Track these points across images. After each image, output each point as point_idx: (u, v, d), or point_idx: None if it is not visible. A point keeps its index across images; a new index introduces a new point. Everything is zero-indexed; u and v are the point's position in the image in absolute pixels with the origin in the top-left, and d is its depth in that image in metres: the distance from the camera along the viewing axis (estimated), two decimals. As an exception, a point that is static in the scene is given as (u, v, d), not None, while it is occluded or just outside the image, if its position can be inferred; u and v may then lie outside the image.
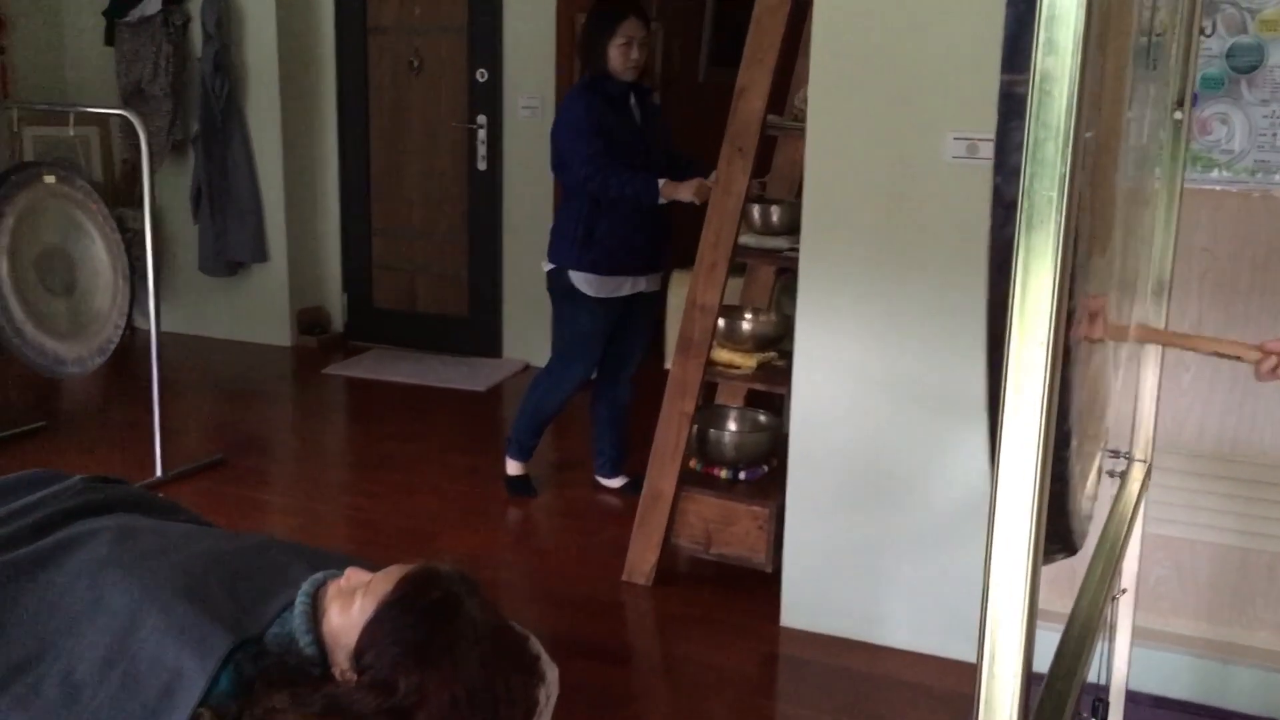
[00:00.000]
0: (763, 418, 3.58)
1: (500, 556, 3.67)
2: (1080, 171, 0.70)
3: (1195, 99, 2.64)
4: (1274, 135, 2.60)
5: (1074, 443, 1.02)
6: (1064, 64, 0.67)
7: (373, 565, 1.68)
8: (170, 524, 1.86)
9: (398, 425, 4.94)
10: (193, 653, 1.52)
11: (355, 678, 1.54)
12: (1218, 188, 2.66)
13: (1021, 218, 0.70)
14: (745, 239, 3.44)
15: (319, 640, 1.59)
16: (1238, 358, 1.52)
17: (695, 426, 3.40)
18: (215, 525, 2.02)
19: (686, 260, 3.54)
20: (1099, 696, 1.54)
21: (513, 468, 4.07)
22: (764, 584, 3.30)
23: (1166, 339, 1.67)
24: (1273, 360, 1.47)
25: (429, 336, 5.99)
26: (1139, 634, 2.88)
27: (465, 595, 1.60)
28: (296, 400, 5.48)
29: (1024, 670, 0.74)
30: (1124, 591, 1.57)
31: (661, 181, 3.57)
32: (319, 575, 1.66)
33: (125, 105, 5.61)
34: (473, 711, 1.52)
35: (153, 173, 4.07)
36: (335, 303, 6.20)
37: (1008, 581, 0.72)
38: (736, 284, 4.05)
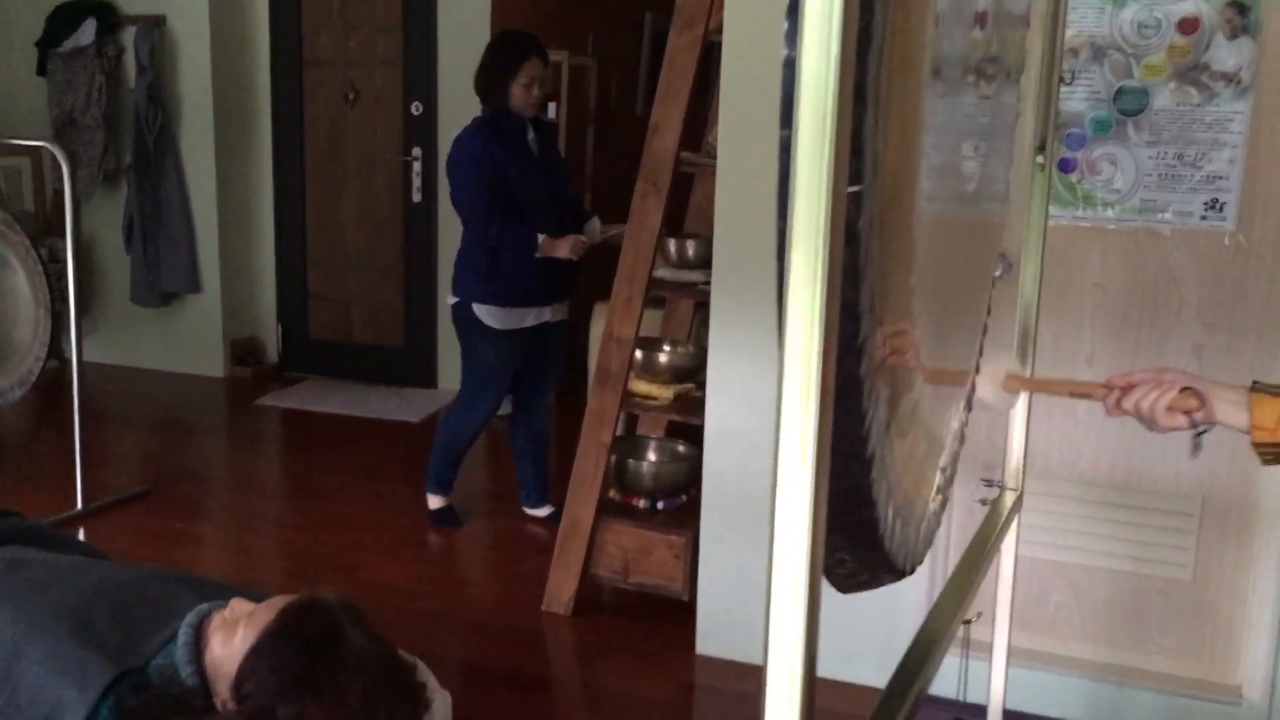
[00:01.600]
0: (681, 448, 3.64)
1: (423, 587, 3.69)
2: (837, 224, 0.75)
3: (1085, 140, 2.75)
4: (1159, 176, 2.70)
5: (876, 473, 1.07)
6: (818, 126, 0.73)
7: (259, 596, 1.70)
8: (61, 556, 1.87)
9: (330, 456, 4.94)
10: (73, 683, 1.54)
11: (236, 707, 1.56)
12: (1108, 226, 2.76)
13: (788, 265, 0.76)
14: (662, 272, 3.51)
15: (201, 671, 1.61)
16: (1089, 396, 1.59)
17: (614, 457, 3.44)
18: (110, 559, 2.03)
19: (607, 293, 3.60)
20: (958, 716, 1.59)
21: (434, 501, 4.09)
22: (681, 612, 3.34)
23: (1030, 386, 1.74)
24: (1116, 394, 1.54)
25: (364, 367, 6.00)
26: (1039, 658, 2.96)
27: (348, 624, 1.63)
28: (228, 431, 5.46)
29: (805, 676, 0.78)
30: (979, 615, 1.64)
31: (541, 237, 3.66)
32: (204, 606, 1.69)
33: (58, 136, 5.61)
34: (352, 739, 1.55)
35: (77, 203, 4.07)
36: (270, 333, 6.19)
37: (787, 595, 0.77)
38: (658, 316, 4.12)
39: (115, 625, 1.65)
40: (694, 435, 3.86)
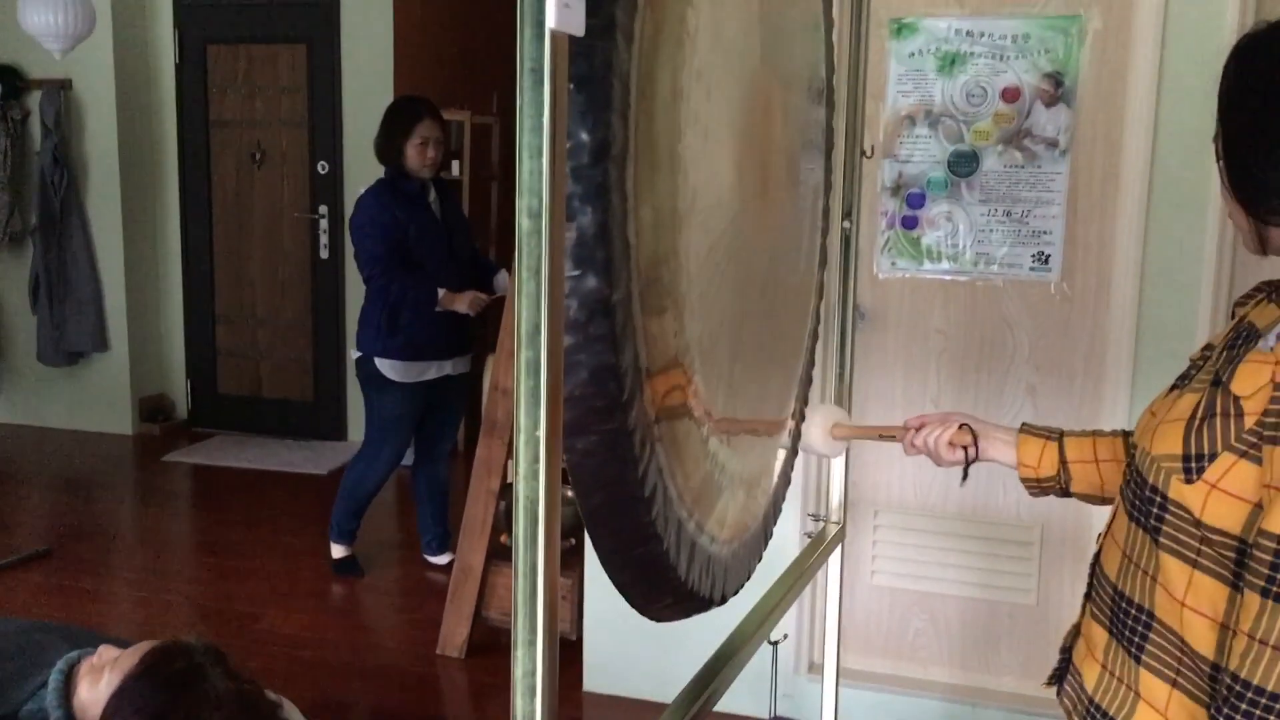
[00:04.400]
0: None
1: (322, 634, 3.78)
2: (555, 319, 0.91)
3: (924, 200, 2.98)
4: (990, 232, 2.94)
5: (657, 511, 1.23)
6: (534, 236, 0.90)
7: (127, 643, 1.82)
8: (-61, 611, 1.97)
9: (236, 510, 5.00)
10: (-56, 730, 1.64)
11: (101, 747, 1.67)
12: (946, 278, 2.99)
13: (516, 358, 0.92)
14: (547, 326, 3.67)
15: (70, 714, 1.72)
16: (893, 438, 1.75)
17: (503, 503, 3.58)
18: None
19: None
20: (773, 730, 1.75)
21: (337, 551, 4.19)
22: (569, 651, 3.47)
23: (848, 433, 1.90)
24: (911, 433, 1.71)
25: (274, 421, 6.08)
26: (902, 683, 3.14)
27: (209, 665, 1.75)
28: (134, 489, 5.49)
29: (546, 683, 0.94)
30: (785, 636, 1.80)
31: (441, 292, 3.82)
32: (74, 654, 1.80)
33: (-39, 198, 5.64)
34: (211, 773, 1.67)
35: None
36: (179, 390, 6.24)
37: (525, 611, 0.93)
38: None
39: (-12, 674, 1.75)
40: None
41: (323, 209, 5.86)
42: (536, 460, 0.93)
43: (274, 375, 6.12)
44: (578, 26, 0.91)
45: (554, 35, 0.87)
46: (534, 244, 0.92)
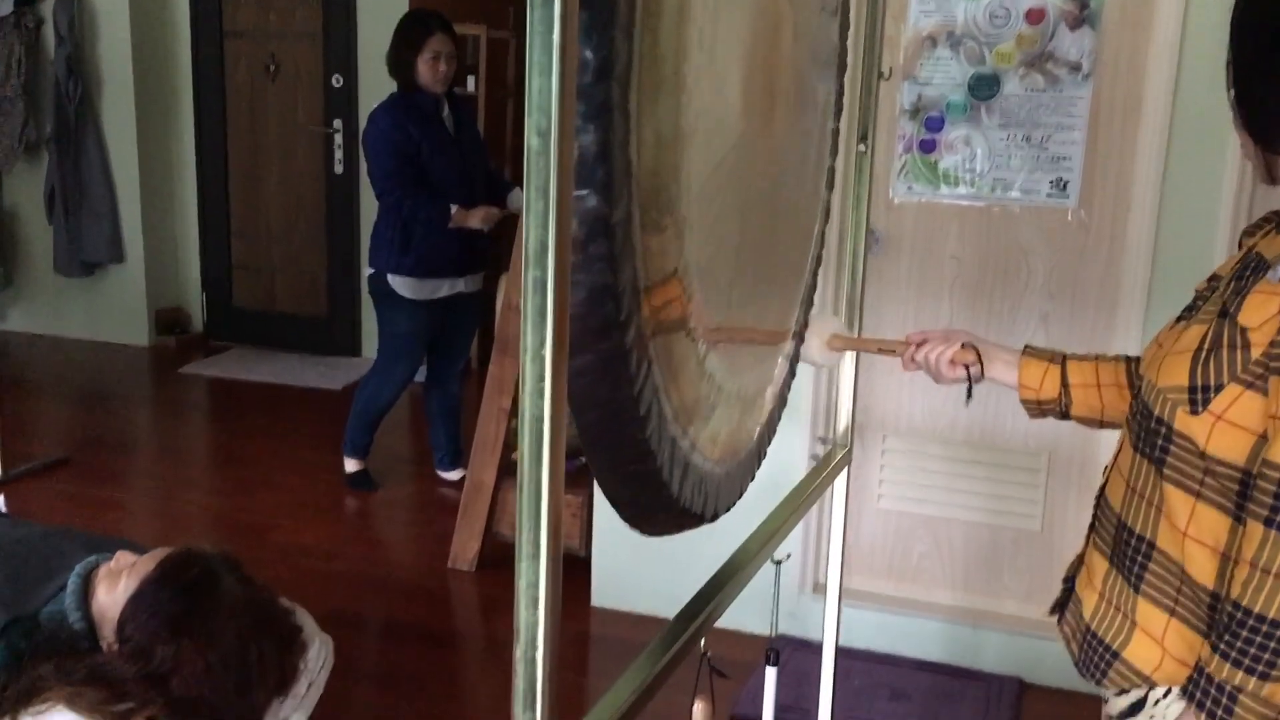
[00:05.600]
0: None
1: (335, 547, 3.84)
2: (564, 232, 0.92)
3: (942, 123, 2.95)
4: (1009, 157, 2.91)
5: (652, 429, 1.25)
6: (544, 145, 0.90)
7: (143, 549, 1.86)
8: (-40, 516, 2.01)
9: (251, 424, 5.06)
10: (-35, 629, 1.69)
11: (119, 649, 1.72)
12: (963, 203, 2.96)
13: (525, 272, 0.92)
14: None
15: (88, 617, 1.77)
16: (893, 352, 1.75)
17: (515, 420, 3.61)
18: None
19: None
20: (774, 646, 1.79)
21: (350, 465, 4.24)
22: (577, 567, 3.53)
23: (847, 345, 1.90)
24: (912, 349, 1.70)
25: (288, 336, 6.11)
26: (904, 604, 3.19)
27: (224, 572, 1.80)
28: (151, 400, 5.55)
29: (549, 602, 0.96)
30: (789, 555, 1.82)
31: (454, 209, 3.81)
32: (92, 559, 1.84)
33: (-25, 106, 5.63)
34: (226, 676, 1.72)
35: (-5, 176, 4.14)
36: (194, 303, 6.27)
37: (530, 528, 0.95)
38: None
39: (8, 578, 1.80)
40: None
41: (337, 123, 5.82)
42: (542, 378, 0.94)
43: (288, 290, 6.14)
44: (588, -59, 0.89)
45: (565, -50, 0.86)
46: (542, 163, 0.91)
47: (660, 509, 1.39)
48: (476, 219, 3.86)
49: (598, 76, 1.00)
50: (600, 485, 1.30)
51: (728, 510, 1.58)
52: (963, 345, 1.65)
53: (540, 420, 0.95)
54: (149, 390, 5.65)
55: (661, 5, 1.11)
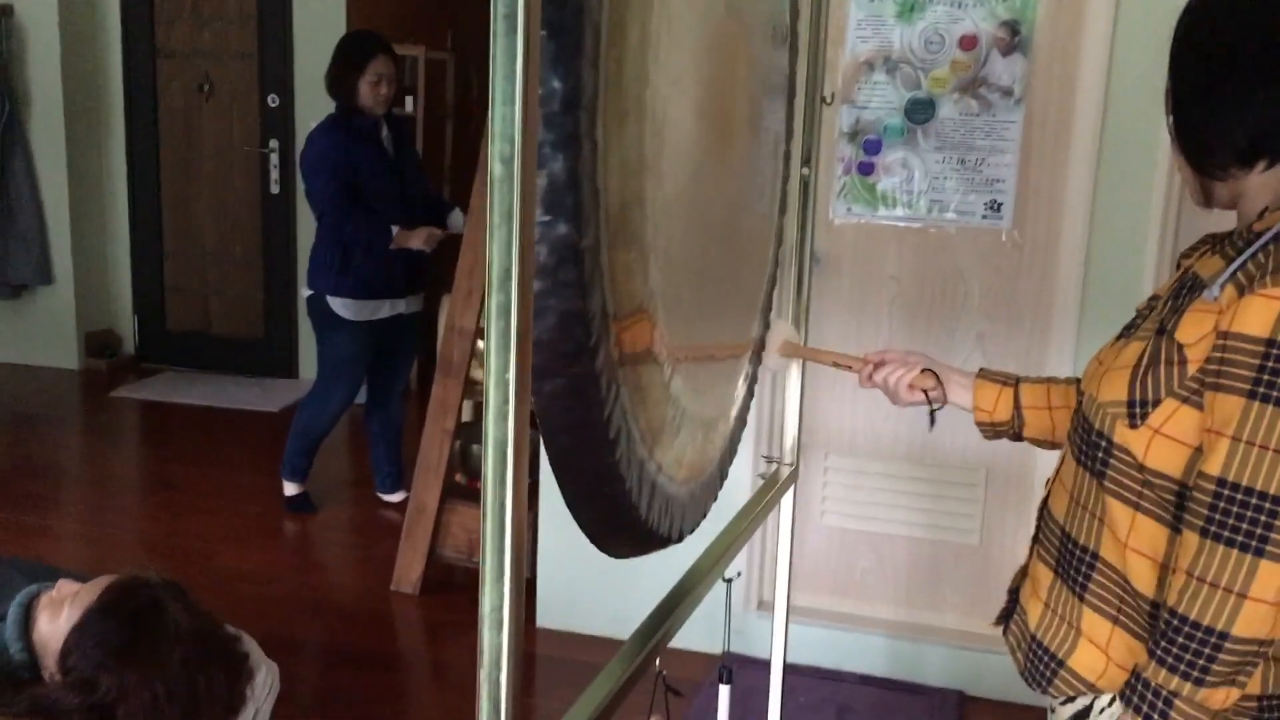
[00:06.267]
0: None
1: (275, 572, 3.79)
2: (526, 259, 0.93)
3: (880, 146, 3.01)
4: (944, 179, 2.97)
5: (621, 454, 1.26)
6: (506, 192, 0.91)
7: (85, 577, 1.83)
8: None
9: (187, 447, 4.98)
10: (-96, 661, 1.64)
11: (62, 679, 1.69)
12: (900, 224, 3.02)
13: (488, 301, 0.93)
14: (503, 266, 3.67)
15: (29, 647, 1.73)
16: (849, 368, 1.77)
17: (459, 443, 3.60)
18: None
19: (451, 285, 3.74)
20: (726, 664, 1.80)
21: (289, 488, 4.19)
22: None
23: (801, 353, 1.93)
24: (870, 368, 1.73)
25: (224, 358, 6.02)
26: (848, 620, 3.22)
27: (169, 600, 1.77)
28: (81, 424, 5.44)
29: (511, 625, 0.97)
30: (739, 574, 1.85)
31: (395, 229, 3.80)
32: (33, 588, 1.80)
33: (-103, 125, 5.49)
34: (172, 706, 1.69)
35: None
36: (126, 325, 6.16)
37: (493, 549, 0.95)
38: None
39: (-55, 608, 1.76)
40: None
41: (273, 143, 5.77)
42: (506, 402, 0.95)
43: (224, 312, 6.05)
44: (550, -28, 0.91)
45: (527, -20, 0.87)
46: (506, 190, 0.93)
47: (628, 530, 1.40)
48: (418, 240, 3.85)
49: (565, 106, 1.01)
50: (569, 507, 1.30)
51: (693, 531, 1.60)
52: (922, 370, 1.68)
53: (504, 444, 0.95)
54: (79, 414, 5.53)
55: (625, 34, 1.13)
